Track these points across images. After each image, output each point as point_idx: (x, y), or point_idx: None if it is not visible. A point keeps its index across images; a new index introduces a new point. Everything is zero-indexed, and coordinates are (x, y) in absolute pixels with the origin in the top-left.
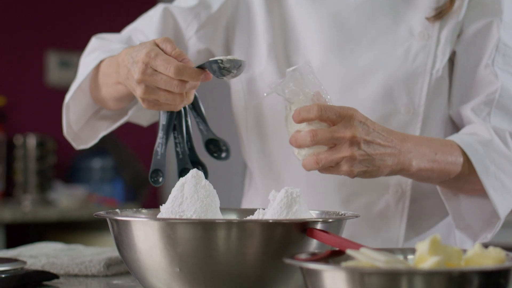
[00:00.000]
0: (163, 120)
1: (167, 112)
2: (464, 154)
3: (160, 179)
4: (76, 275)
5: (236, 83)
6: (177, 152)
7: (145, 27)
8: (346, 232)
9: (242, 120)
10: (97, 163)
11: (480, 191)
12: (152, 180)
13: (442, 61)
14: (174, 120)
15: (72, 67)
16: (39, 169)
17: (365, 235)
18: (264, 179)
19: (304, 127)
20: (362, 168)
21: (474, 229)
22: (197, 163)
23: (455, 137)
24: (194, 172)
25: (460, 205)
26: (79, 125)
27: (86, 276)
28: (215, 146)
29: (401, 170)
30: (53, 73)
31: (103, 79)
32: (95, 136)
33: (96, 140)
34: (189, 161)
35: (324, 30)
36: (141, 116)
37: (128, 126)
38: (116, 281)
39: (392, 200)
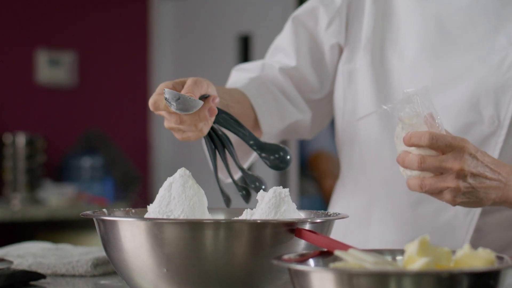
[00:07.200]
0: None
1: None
2: None
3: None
4: (63, 275)
5: (338, 74)
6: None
7: (282, 43)
8: (409, 236)
9: (339, 110)
10: (86, 162)
11: None
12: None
13: None
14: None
15: (61, 66)
16: (29, 168)
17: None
18: (349, 170)
19: (413, 149)
20: (465, 199)
21: None
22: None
23: None
24: (181, 172)
25: None
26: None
27: (73, 276)
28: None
29: (504, 202)
30: (43, 71)
31: None
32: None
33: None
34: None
35: (424, 29)
36: (303, 130)
37: (118, 124)
38: (103, 281)
39: (462, 210)
